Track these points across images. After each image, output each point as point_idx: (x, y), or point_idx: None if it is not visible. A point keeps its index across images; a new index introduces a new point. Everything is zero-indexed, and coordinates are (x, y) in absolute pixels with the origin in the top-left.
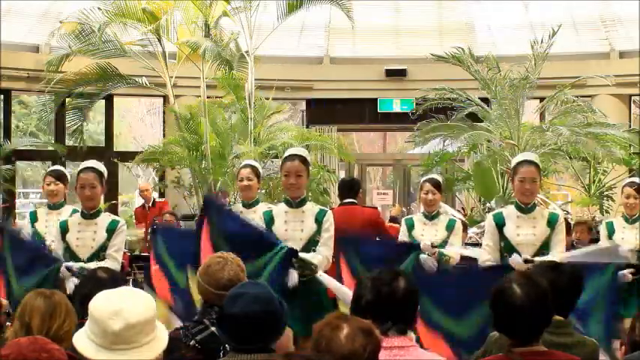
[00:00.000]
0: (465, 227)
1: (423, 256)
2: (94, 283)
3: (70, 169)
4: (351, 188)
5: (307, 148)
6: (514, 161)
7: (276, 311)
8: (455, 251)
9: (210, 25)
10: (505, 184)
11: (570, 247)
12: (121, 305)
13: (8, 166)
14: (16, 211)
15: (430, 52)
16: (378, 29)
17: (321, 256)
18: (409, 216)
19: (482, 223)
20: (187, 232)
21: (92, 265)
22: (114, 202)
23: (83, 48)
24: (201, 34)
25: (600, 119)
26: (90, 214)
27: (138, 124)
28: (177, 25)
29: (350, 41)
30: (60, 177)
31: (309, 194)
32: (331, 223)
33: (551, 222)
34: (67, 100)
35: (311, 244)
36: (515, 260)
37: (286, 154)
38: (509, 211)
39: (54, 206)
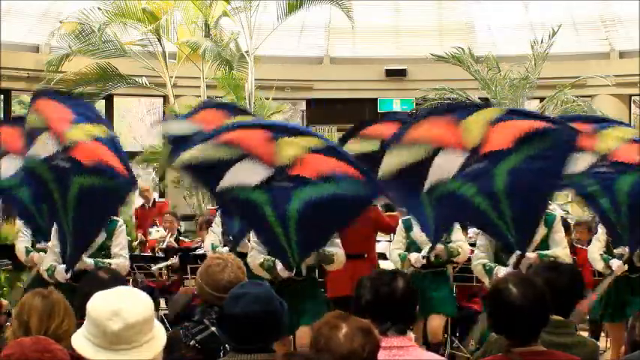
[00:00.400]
0: (465, 227)
1: (413, 255)
2: (95, 283)
3: None
4: None
5: None
6: None
7: (276, 311)
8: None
9: (210, 25)
10: None
11: (570, 247)
12: (119, 305)
13: None
14: None
15: (430, 52)
16: (378, 29)
17: (340, 251)
18: (407, 217)
19: None
20: None
21: (107, 261)
22: None
23: (83, 48)
24: (201, 34)
25: None
26: None
27: (138, 124)
28: (177, 25)
29: (350, 41)
30: None
31: None
32: None
33: (548, 222)
34: None
35: None
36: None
37: None
38: None
39: None
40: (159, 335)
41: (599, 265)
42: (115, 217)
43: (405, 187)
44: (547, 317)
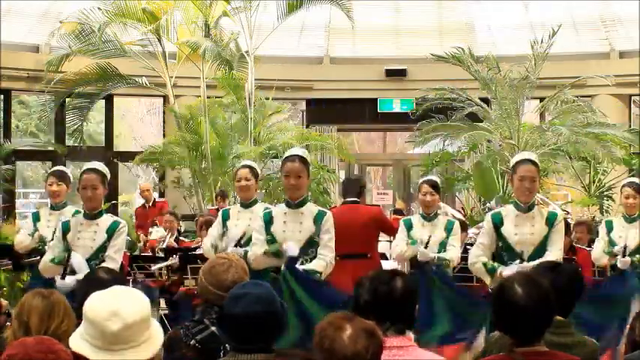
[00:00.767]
0: (465, 227)
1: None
2: (94, 283)
3: (69, 170)
4: (355, 187)
5: (307, 148)
6: (513, 160)
7: (277, 312)
8: (454, 255)
9: (210, 25)
10: (505, 184)
11: (570, 247)
12: (117, 305)
13: (8, 166)
14: (16, 211)
15: (430, 52)
16: (378, 29)
17: (324, 262)
18: (407, 217)
19: (481, 224)
20: None
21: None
22: (114, 202)
23: (83, 48)
24: (201, 34)
25: (600, 119)
26: (91, 214)
27: (138, 124)
28: (177, 25)
29: (350, 41)
30: (63, 177)
31: (310, 194)
32: (331, 224)
33: (550, 220)
34: (67, 100)
35: (309, 245)
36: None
37: (286, 154)
38: (508, 211)
39: (56, 206)
40: (156, 334)
41: (604, 260)
42: (117, 218)
43: None
44: (551, 318)
